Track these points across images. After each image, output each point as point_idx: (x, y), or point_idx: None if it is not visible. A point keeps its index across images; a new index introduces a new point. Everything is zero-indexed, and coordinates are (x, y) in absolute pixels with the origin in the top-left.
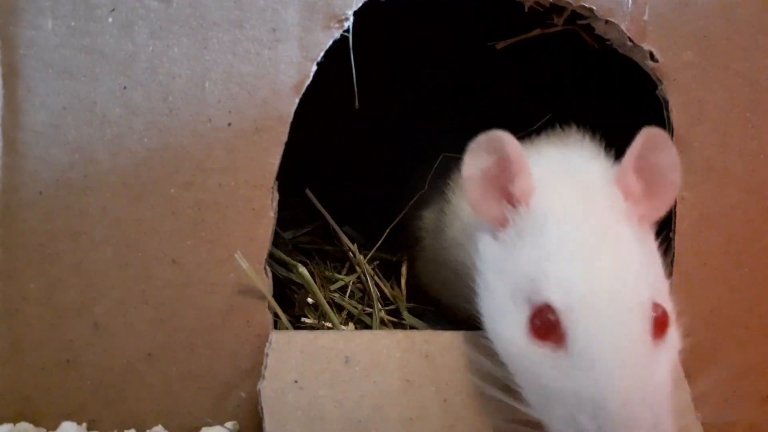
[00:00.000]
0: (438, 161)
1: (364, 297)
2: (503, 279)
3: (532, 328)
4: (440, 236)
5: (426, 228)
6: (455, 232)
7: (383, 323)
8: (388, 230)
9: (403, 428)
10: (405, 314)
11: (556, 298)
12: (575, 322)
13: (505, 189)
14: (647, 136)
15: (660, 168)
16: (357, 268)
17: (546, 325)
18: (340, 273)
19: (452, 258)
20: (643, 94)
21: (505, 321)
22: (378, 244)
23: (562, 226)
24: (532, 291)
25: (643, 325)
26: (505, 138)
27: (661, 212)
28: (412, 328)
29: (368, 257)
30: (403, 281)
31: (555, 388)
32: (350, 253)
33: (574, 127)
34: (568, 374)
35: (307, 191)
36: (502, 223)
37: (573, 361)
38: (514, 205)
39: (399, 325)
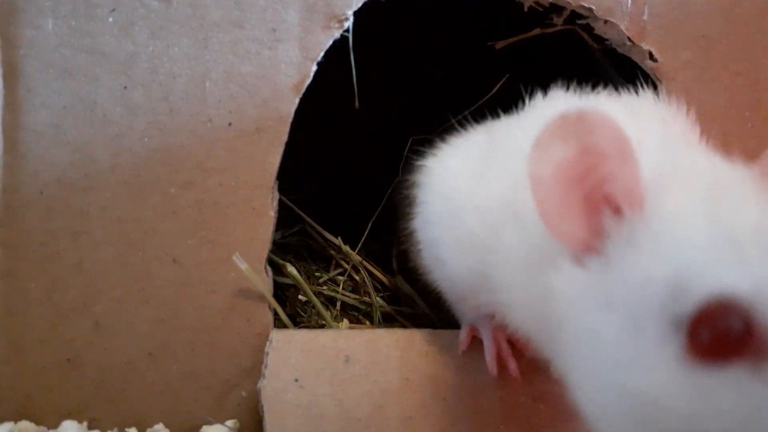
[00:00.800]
0: (408, 146)
1: (357, 288)
2: (612, 311)
3: (695, 347)
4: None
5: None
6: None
7: (381, 316)
8: (371, 222)
9: (402, 427)
10: (398, 279)
11: (738, 285)
12: None
13: (596, 193)
14: None
15: None
16: (343, 263)
17: (724, 332)
18: (329, 270)
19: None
20: None
21: (638, 362)
22: (365, 235)
23: (710, 218)
24: (679, 297)
25: None
26: (594, 117)
27: None
28: (406, 299)
29: (357, 249)
30: (394, 264)
31: None
32: (332, 251)
33: (656, 95)
34: None
35: (281, 196)
36: (591, 242)
37: None
38: (616, 213)
39: (396, 310)
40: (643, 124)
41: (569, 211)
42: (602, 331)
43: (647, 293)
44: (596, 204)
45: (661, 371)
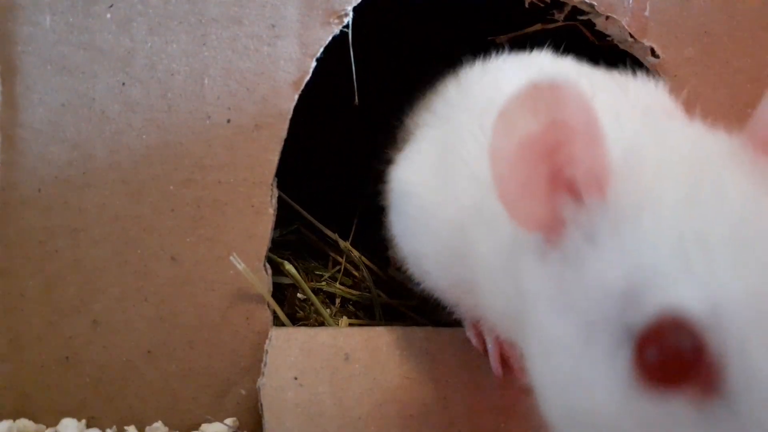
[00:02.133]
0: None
1: (357, 284)
2: (568, 315)
3: (642, 367)
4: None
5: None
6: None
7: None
8: (357, 215)
9: (402, 426)
10: (392, 270)
11: (691, 301)
12: (740, 339)
13: (560, 175)
14: None
15: None
16: (339, 258)
17: (672, 355)
18: (326, 267)
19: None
20: None
21: (587, 376)
22: (353, 230)
23: (678, 210)
24: (632, 308)
25: None
26: (566, 88)
27: None
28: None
29: (349, 239)
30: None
31: None
32: (330, 248)
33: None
34: None
35: (280, 192)
36: (555, 231)
37: (743, 415)
38: (577, 199)
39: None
40: (626, 96)
41: (531, 192)
42: (556, 337)
43: (601, 298)
44: (560, 188)
45: (607, 391)
